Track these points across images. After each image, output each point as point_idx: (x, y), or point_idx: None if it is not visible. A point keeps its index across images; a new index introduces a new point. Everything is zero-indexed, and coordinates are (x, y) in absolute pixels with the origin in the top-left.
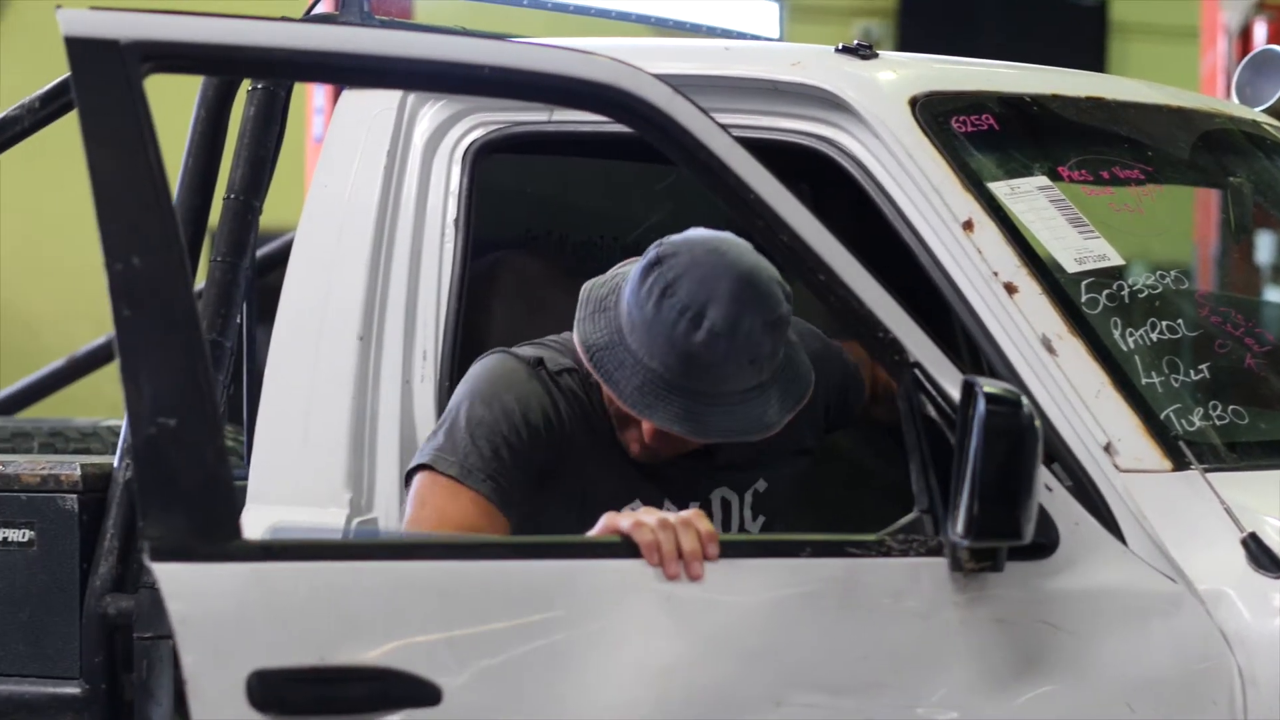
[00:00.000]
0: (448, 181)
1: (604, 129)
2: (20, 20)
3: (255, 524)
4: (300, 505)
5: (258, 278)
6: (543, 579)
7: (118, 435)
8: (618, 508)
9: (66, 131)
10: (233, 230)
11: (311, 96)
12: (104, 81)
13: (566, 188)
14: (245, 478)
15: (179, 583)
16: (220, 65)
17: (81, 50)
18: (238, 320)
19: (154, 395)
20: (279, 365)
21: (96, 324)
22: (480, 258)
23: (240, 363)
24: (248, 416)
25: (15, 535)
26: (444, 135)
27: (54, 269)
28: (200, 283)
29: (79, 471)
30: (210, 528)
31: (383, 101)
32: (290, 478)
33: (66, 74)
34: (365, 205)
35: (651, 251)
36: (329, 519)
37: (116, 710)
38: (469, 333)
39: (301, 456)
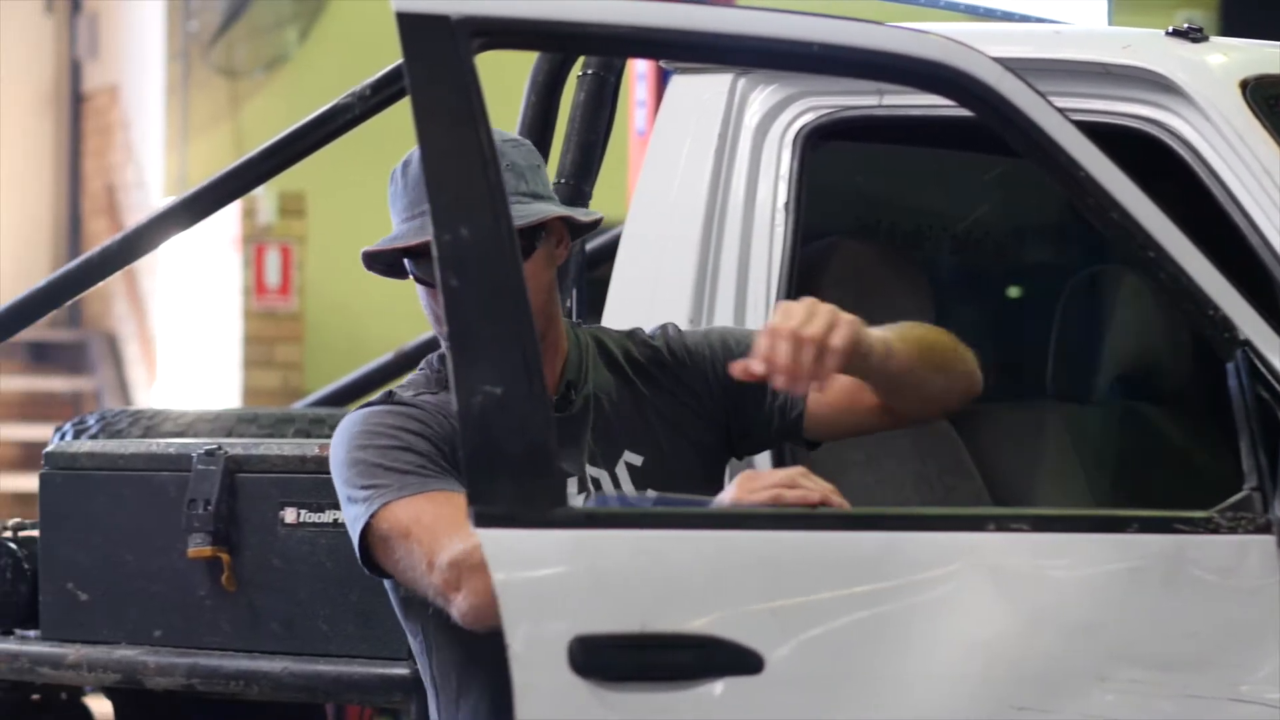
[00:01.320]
0: (778, 166)
1: (934, 114)
2: (339, 15)
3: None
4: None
5: (586, 271)
6: (868, 550)
7: None
8: None
9: (384, 123)
10: None
11: (634, 90)
12: (435, 57)
13: (896, 176)
14: None
15: (502, 549)
16: (550, 41)
17: (413, 25)
18: (567, 304)
19: (480, 363)
20: None
21: (420, 320)
22: (810, 244)
23: None
24: None
25: None
26: (774, 120)
27: None
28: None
29: None
30: (534, 495)
31: (713, 87)
32: None
33: (396, 62)
34: (695, 190)
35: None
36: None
37: None
38: None
39: None
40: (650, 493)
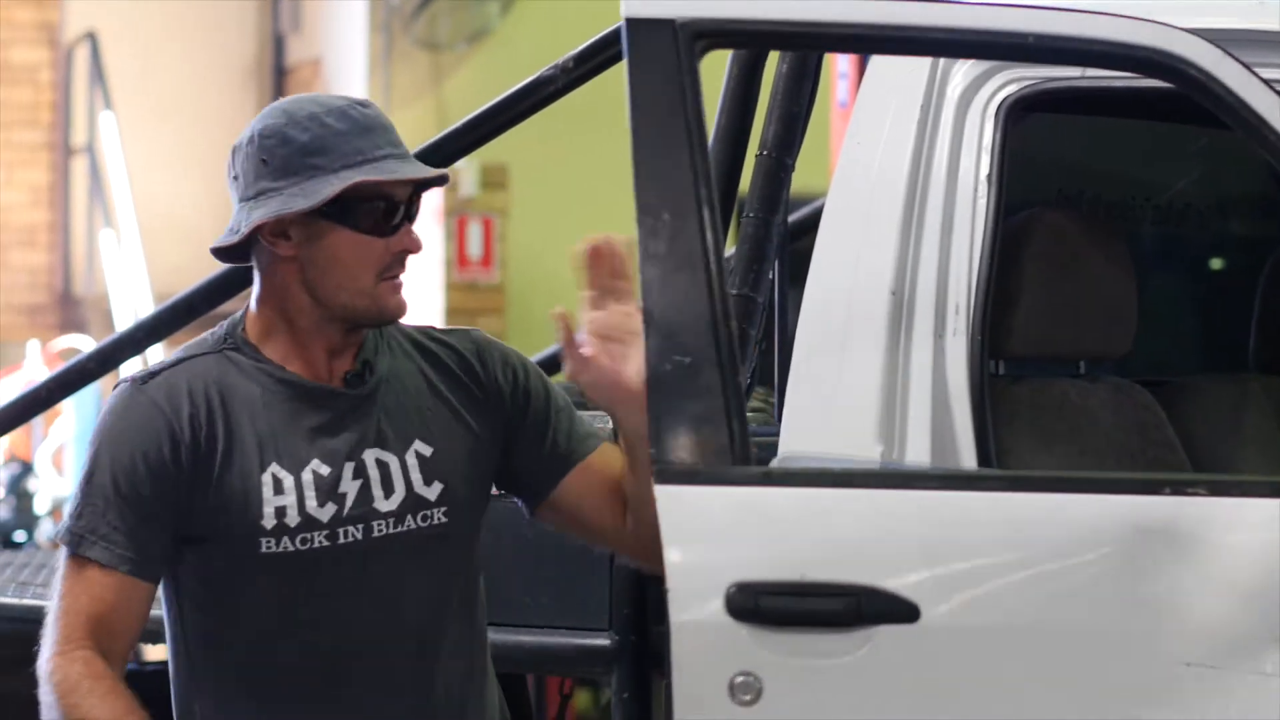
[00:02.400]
0: (980, 138)
1: (1136, 85)
2: (528, 10)
3: None
4: (830, 460)
5: (788, 243)
6: (1028, 511)
7: None
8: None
9: (587, 95)
10: (764, 187)
11: (836, 62)
12: (657, 59)
13: (1099, 148)
14: (775, 435)
15: (676, 502)
16: (772, 40)
17: (638, 30)
18: (769, 276)
19: (674, 336)
20: (810, 322)
21: None
22: (1013, 215)
23: (771, 320)
24: (778, 378)
25: None
26: (976, 92)
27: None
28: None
29: (612, 425)
30: (713, 455)
31: (914, 60)
32: (821, 433)
33: (600, 34)
34: (898, 162)
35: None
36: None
37: (645, 663)
38: (1000, 288)
39: (832, 412)
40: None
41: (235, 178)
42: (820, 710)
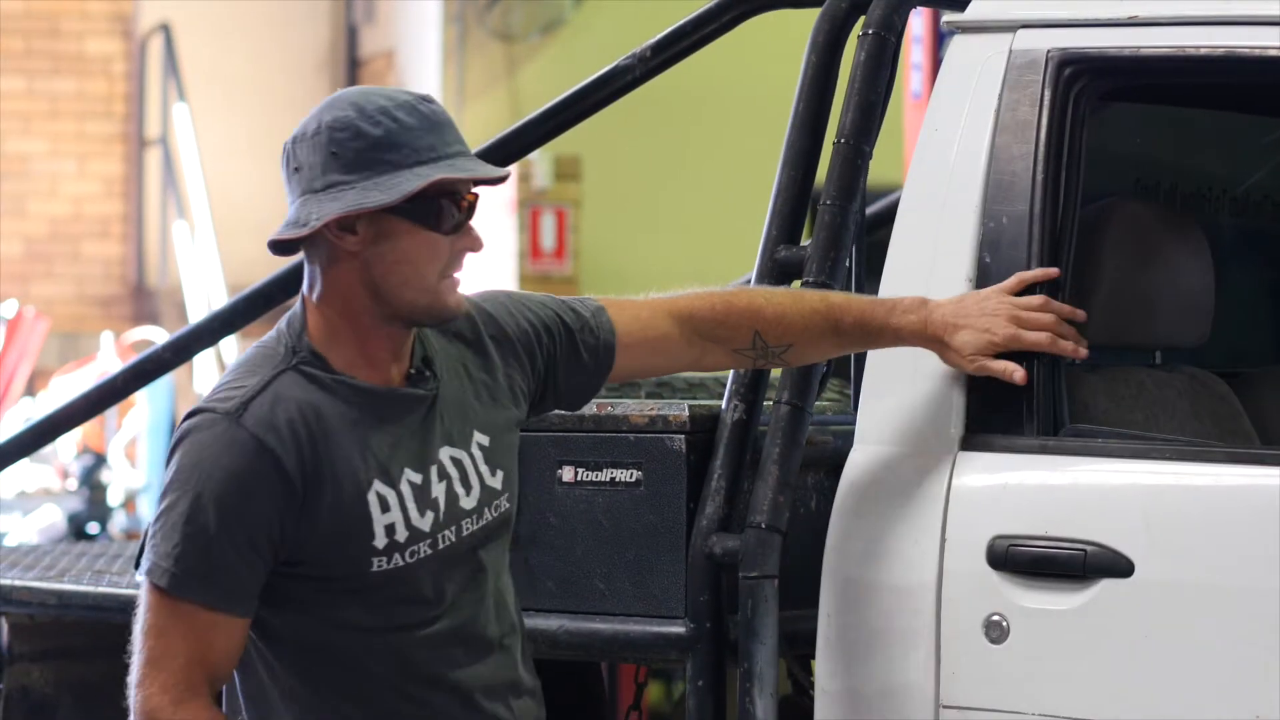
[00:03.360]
0: (1059, 128)
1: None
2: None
3: (861, 464)
4: (907, 445)
5: (865, 235)
6: (1236, 480)
7: (723, 386)
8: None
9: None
10: (842, 175)
11: (909, 52)
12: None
13: (1177, 138)
14: (851, 424)
15: (973, 465)
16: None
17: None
18: (846, 265)
19: None
20: None
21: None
22: (1090, 205)
23: None
24: (854, 366)
25: (623, 475)
26: (1056, 82)
27: (658, 227)
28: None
29: (687, 412)
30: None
31: (993, 46)
32: (898, 418)
33: (678, 23)
34: (975, 149)
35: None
36: (934, 460)
37: (721, 650)
38: (1078, 277)
39: (910, 397)
40: None
41: (296, 169)
42: (1054, 651)
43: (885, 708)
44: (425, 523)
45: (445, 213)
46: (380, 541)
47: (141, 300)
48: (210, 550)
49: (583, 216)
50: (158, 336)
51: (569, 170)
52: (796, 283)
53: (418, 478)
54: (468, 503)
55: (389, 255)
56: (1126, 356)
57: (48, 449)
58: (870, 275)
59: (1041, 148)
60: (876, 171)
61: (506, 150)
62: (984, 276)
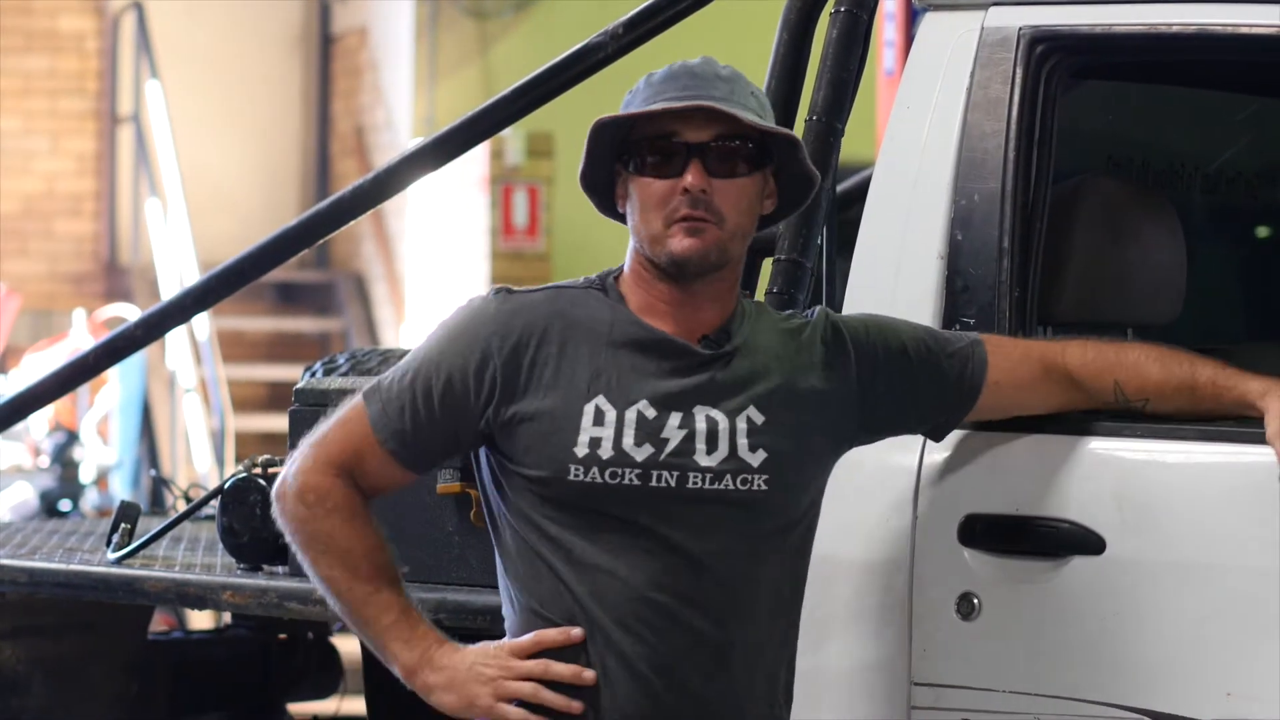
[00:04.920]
0: (1032, 104)
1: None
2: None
3: None
4: None
5: (837, 212)
6: (1208, 458)
7: None
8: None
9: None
10: (815, 151)
11: (883, 30)
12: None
13: (1149, 115)
14: None
15: (944, 443)
16: None
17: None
18: (818, 241)
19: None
20: (859, 285)
21: None
22: (1062, 182)
23: (819, 287)
24: None
25: None
26: (1028, 59)
27: None
28: None
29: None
30: None
31: (965, 24)
32: None
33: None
34: (947, 127)
35: None
36: (906, 437)
37: None
38: (1050, 253)
39: None
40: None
41: None
42: (1025, 628)
43: (857, 684)
44: (640, 453)
45: (648, 155)
46: (581, 450)
47: (114, 277)
48: (404, 389)
49: (555, 193)
50: (130, 314)
51: (541, 147)
52: (768, 260)
53: (652, 413)
54: (705, 460)
55: (632, 206)
56: (1098, 334)
57: (19, 426)
58: (842, 252)
59: (1013, 125)
60: (849, 149)
61: (479, 127)
62: (955, 253)
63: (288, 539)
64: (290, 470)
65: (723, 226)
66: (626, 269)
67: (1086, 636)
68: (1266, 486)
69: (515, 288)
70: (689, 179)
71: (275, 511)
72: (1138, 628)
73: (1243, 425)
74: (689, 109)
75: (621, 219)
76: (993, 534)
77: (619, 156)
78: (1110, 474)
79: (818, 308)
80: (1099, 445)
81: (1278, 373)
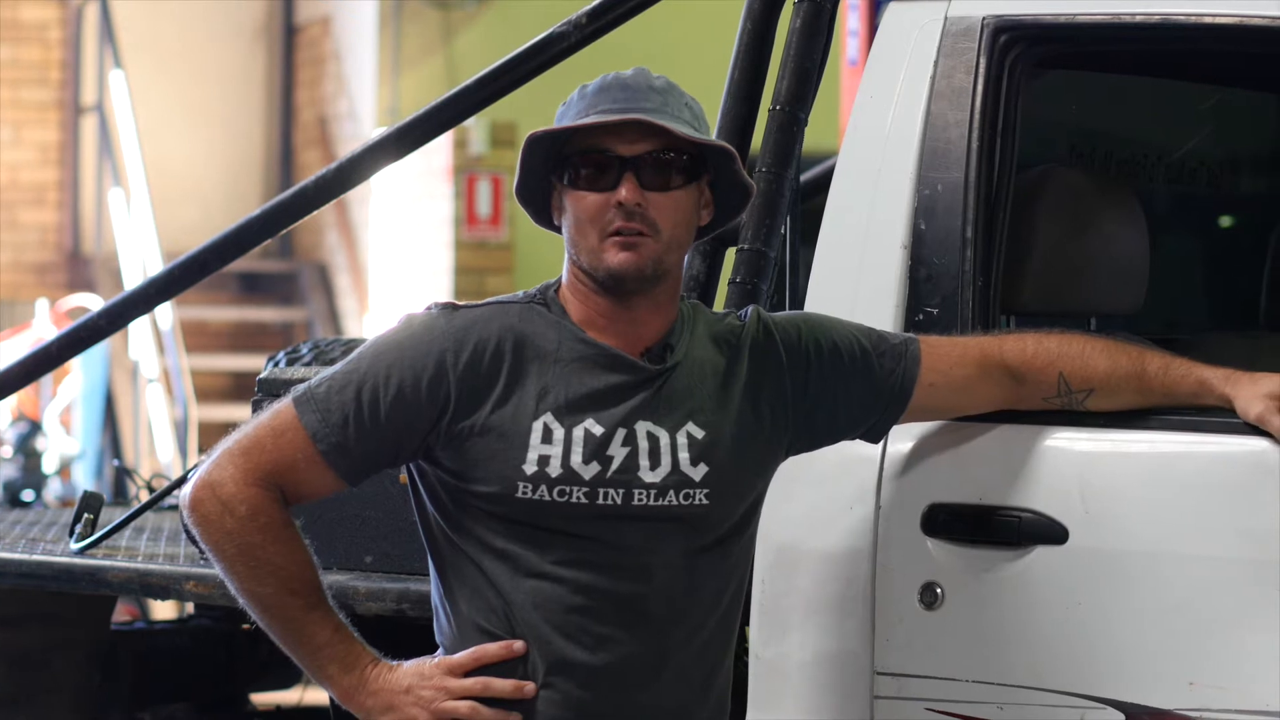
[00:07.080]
0: (995, 94)
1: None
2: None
3: None
4: None
5: (800, 202)
6: (1170, 447)
7: None
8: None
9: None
10: (778, 141)
11: (845, 18)
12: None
13: (1112, 105)
14: None
15: (908, 432)
16: None
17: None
18: (781, 231)
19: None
20: (823, 275)
21: None
22: (1026, 171)
23: (782, 278)
24: None
25: None
26: (992, 49)
27: None
28: None
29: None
30: None
31: (929, 13)
32: None
33: None
34: (911, 116)
35: None
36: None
37: None
38: (1012, 244)
39: None
40: None
41: None
42: (988, 617)
43: (820, 674)
44: (587, 471)
45: (581, 169)
46: (530, 468)
47: (77, 267)
48: (344, 400)
49: None
50: (93, 304)
51: (505, 137)
52: (732, 250)
53: (598, 430)
54: (649, 476)
55: (567, 219)
56: (1061, 324)
57: None
58: (806, 242)
59: (977, 114)
60: (812, 138)
61: (442, 117)
62: (919, 243)
63: (207, 549)
64: (213, 477)
65: (658, 239)
66: (564, 281)
67: (1050, 626)
68: (1228, 476)
69: (458, 303)
70: (623, 193)
71: (191, 520)
72: (1101, 617)
73: (1205, 415)
74: (621, 122)
75: (558, 230)
76: (956, 524)
77: (554, 170)
78: (1073, 464)
79: (750, 307)
80: (1062, 435)
81: (1241, 362)
